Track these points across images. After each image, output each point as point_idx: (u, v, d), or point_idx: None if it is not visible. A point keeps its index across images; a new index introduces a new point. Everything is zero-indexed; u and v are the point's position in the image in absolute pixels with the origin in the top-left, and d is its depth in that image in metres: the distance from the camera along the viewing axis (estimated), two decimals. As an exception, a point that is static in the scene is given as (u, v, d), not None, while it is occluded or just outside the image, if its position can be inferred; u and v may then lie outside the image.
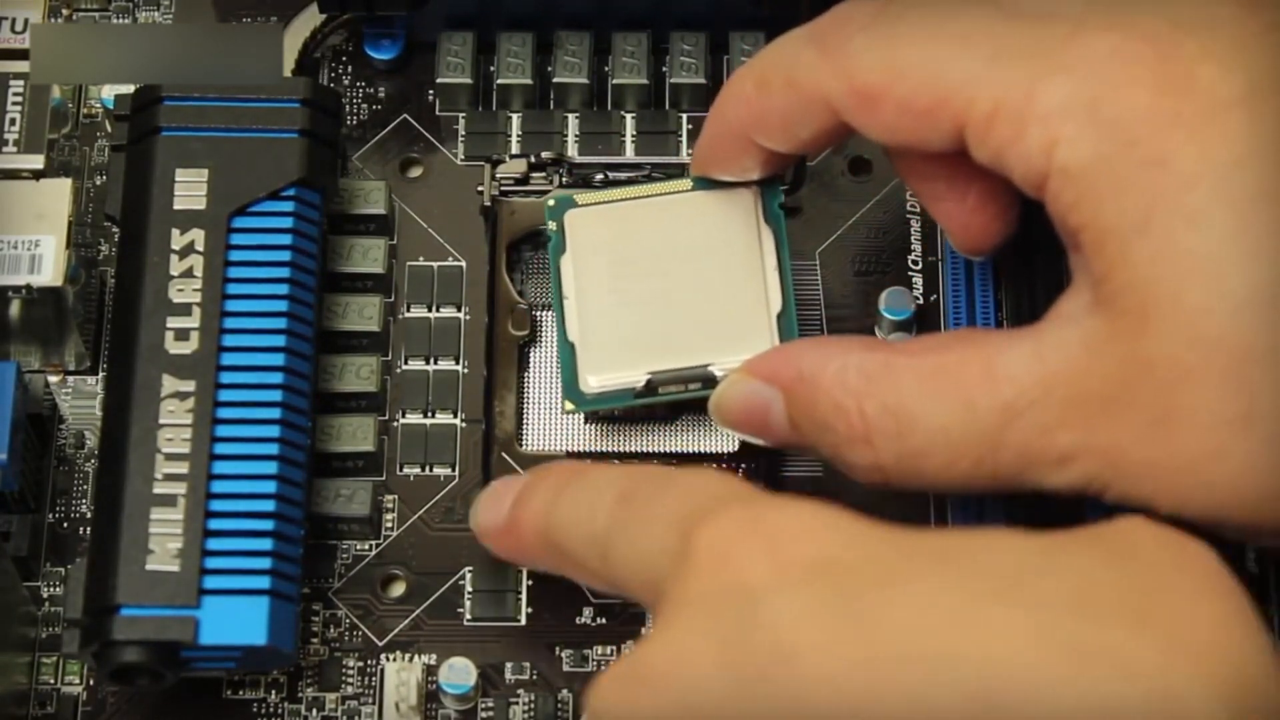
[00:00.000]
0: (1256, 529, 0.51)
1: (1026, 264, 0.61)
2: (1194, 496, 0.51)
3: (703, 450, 0.60)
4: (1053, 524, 0.49)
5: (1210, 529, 0.51)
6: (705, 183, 0.60)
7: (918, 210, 0.63)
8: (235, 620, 0.54)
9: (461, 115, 0.65)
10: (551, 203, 0.60)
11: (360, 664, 0.58)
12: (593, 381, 0.58)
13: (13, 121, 0.62)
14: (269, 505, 0.55)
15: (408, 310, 0.62)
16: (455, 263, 0.63)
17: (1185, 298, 0.49)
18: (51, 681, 0.58)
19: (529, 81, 0.64)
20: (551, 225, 0.60)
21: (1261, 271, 0.49)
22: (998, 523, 0.58)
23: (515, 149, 0.64)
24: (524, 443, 0.60)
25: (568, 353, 0.58)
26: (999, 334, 0.54)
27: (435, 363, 0.62)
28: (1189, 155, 0.49)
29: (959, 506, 0.59)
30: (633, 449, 0.60)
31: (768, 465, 0.59)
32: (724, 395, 0.57)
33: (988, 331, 0.55)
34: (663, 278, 0.59)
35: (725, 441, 0.60)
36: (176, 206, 0.58)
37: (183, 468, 0.55)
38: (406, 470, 0.61)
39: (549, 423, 0.60)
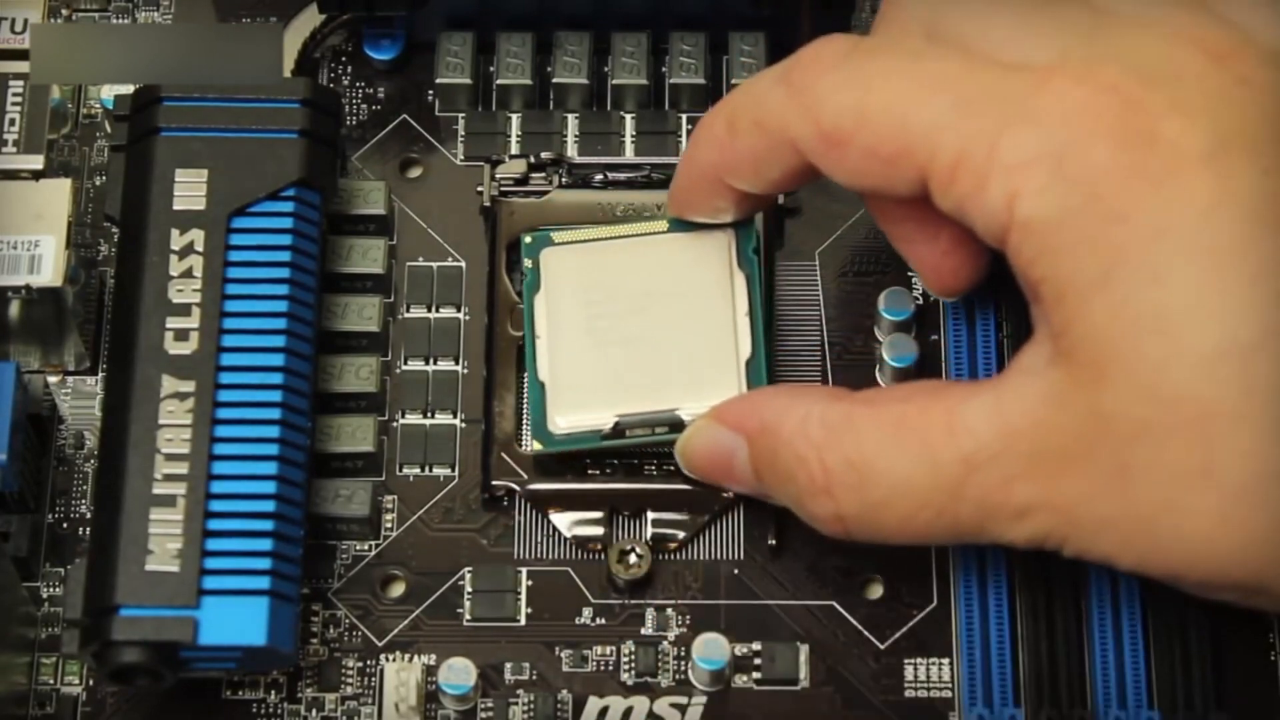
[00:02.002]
0: (1218, 584, 0.51)
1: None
2: (1153, 552, 0.51)
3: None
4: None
5: (1171, 583, 0.51)
6: (681, 224, 0.60)
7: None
8: (235, 621, 0.54)
9: (461, 115, 0.65)
10: (528, 239, 0.60)
11: (360, 664, 0.58)
12: (561, 422, 0.58)
13: (12, 122, 0.62)
14: (269, 505, 0.55)
15: (407, 310, 0.62)
16: (455, 263, 0.63)
17: (1143, 353, 0.49)
18: (51, 682, 0.58)
19: (529, 82, 0.64)
20: (528, 262, 0.60)
21: (1221, 327, 0.49)
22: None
23: (515, 149, 0.64)
24: (524, 443, 0.60)
25: (537, 392, 0.59)
26: (961, 386, 0.54)
27: (435, 363, 0.62)
28: (1151, 210, 0.49)
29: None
30: (633, 451, 0.60)
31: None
32: (689, 441, 0.57)
33: (950, 384, 0.55)
34: (636, 319, 0.59)
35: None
36: (176, 207, 0.58)
37: (182, 468, 0.55)
38: (406, 470, 0.61)
39: (549, 423, 0.61)
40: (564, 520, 0.59)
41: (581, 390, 0.58)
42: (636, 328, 0.59)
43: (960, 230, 0.54)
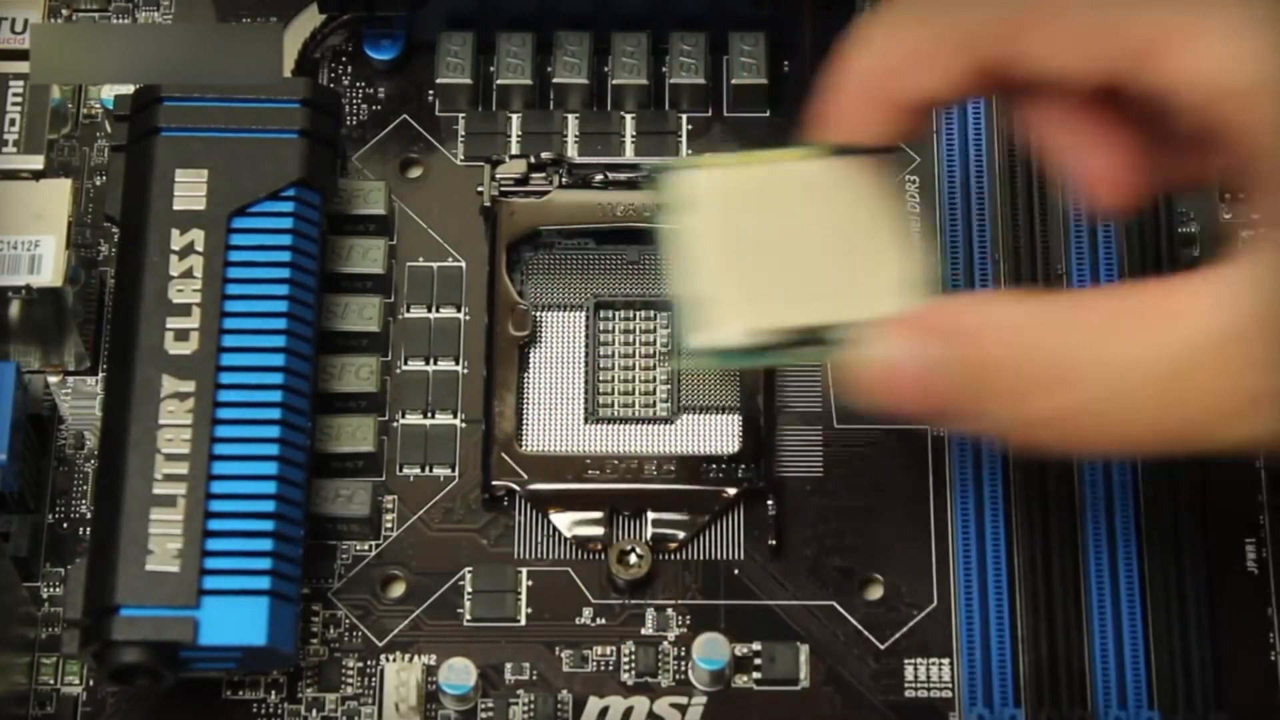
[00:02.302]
0: None
1: (1029, 261, 0.61)
2: None
3: (703, 452, 0.60)
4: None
5: None
6: (830, 150, 0.55)
7: (919, 210, 0.63)
8: (235, 621, 0.54)
9: (461, 115, 0.65)
10: (674, 166, 0.56)
11: (360, 664, 0.58)
12: (718, 333, 0.53)
13: (12, 122, 0.62)
14: (269, 505, 0.55)
15: (407, 310, 0.62)
16: (455, 263, 0.63)
17: None
18: (51, 682, 0.58)
19: (529, 82, 0.64)
20: (674, 186, 0.55)
21: None
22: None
23: (515, 149, 0.64)
24: (524, 443, 0.60)
25: (688, 307, 0.54)
26: (1179, 277, 0.49)
27: (435, 363, 0.62)
28: None
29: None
30: (633, 451, 0.60)
31: (767, 465, 0.59)
32: (865, 355, 0.52)
33: (1166, 278, 0.50)
34: (789, 237, 0.55)
35: (726, 443, 0.60)
36: (176, 207, 0.58)
37: (182, 468, 0.55)
38: (406, 471, 0.61)
39: (549, 423, 0.60)
40: (564, 520, 0.59)
41: (733, 303, 0.53)
42: (790, 246, 0.54)
43: (1141, 135, 0.52)
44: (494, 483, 0.59)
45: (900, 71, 0.53)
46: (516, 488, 0.59)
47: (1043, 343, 0.49)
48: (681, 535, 0.59)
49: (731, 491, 0.59)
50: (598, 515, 0.59)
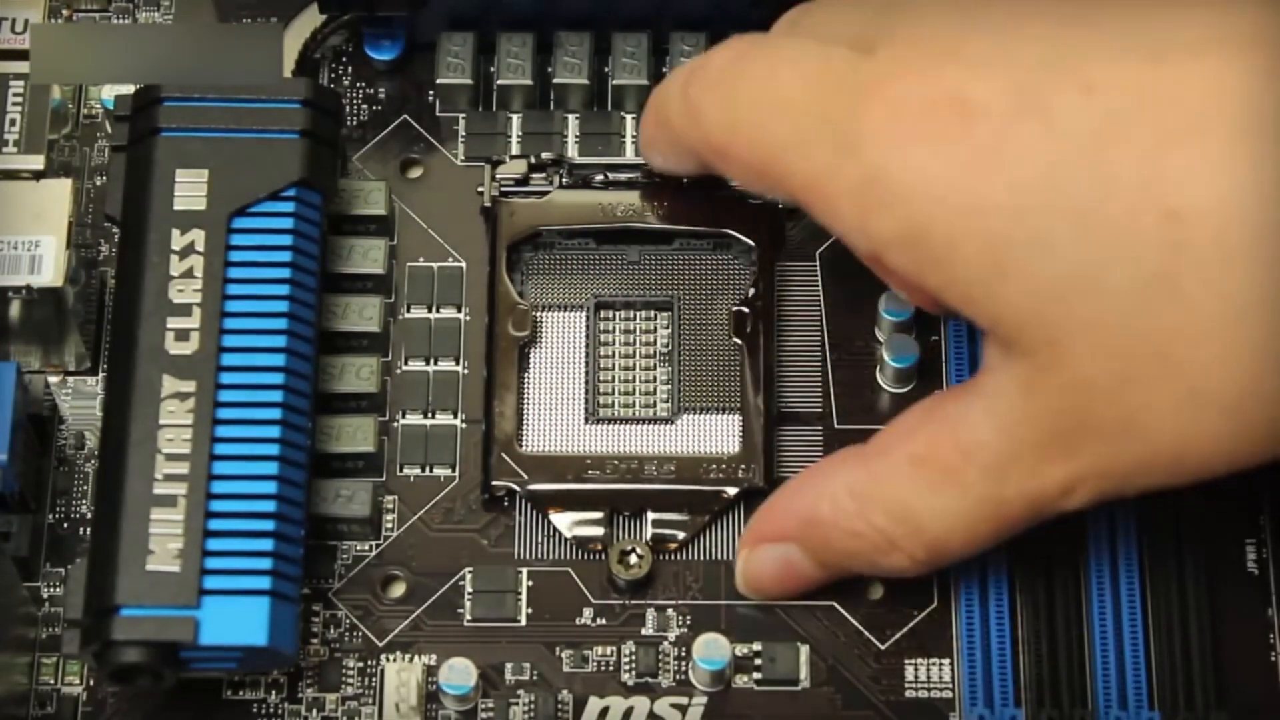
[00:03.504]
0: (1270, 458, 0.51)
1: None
2: (1199, 469, 0.51)
3: (705, 452, 0.60)
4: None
5: (1238, 469, 0.51)
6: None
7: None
8: (235, 621, 0.54)
9: (461, 116, 0.65)
10: None
11: (360, 665, 0.58)
12: None
13: (13, 122, 0.62)
14: (269, 506, 0.55)
15: (408, 311, 0.62)
16: (455, 263, 0.63)
17: (1075, 315, 0.50)
18: (51, 682, 0.58)
19: (529, 82, 0.64)
20: None
21: (1128, 265, 0.49)
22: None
23: (515, 150, 0.64)
24: (524, 443, 0.60)
25: None
26: (953, 398, 0.54)
27: (435, 363, 0.62)
28: (998, 186, 0.50)
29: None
30: (634, 450, 0.60)
31: (767, 465, 0.60)
32: (746, 575, 0.58)
33: (943, 397, 0.55)
34: None
35: (727, 443, 0.60)
36: (176, 207, 0.58)
37: (183, 468, 0.55)
38: (406, 471, 0.61)
39: (549, 423, 0.60)
40: (564, 521, 0.59)
41: None
42: None
43: None
44: (494, 483, 0.59)
45: (665, 152, 0.59)
46: (516, 488, 0.59)
47: (873, 506, 0.55)
48: (681, 535, 0.59)
49: (731, 491, 0.59)
50: (598, 515, 0.59)
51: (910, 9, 0.53)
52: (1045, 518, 0.54)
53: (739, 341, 0.61)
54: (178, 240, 0.58)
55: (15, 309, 0.59)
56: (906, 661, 0.58)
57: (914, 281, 0.53)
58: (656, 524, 0.59)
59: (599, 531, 0.59)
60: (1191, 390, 0.49)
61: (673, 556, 0.59)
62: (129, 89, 0.61)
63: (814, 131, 0.52)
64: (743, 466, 0.59)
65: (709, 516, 0.59)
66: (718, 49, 0.56)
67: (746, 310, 0.61)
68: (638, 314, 0.62)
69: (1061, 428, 0.51)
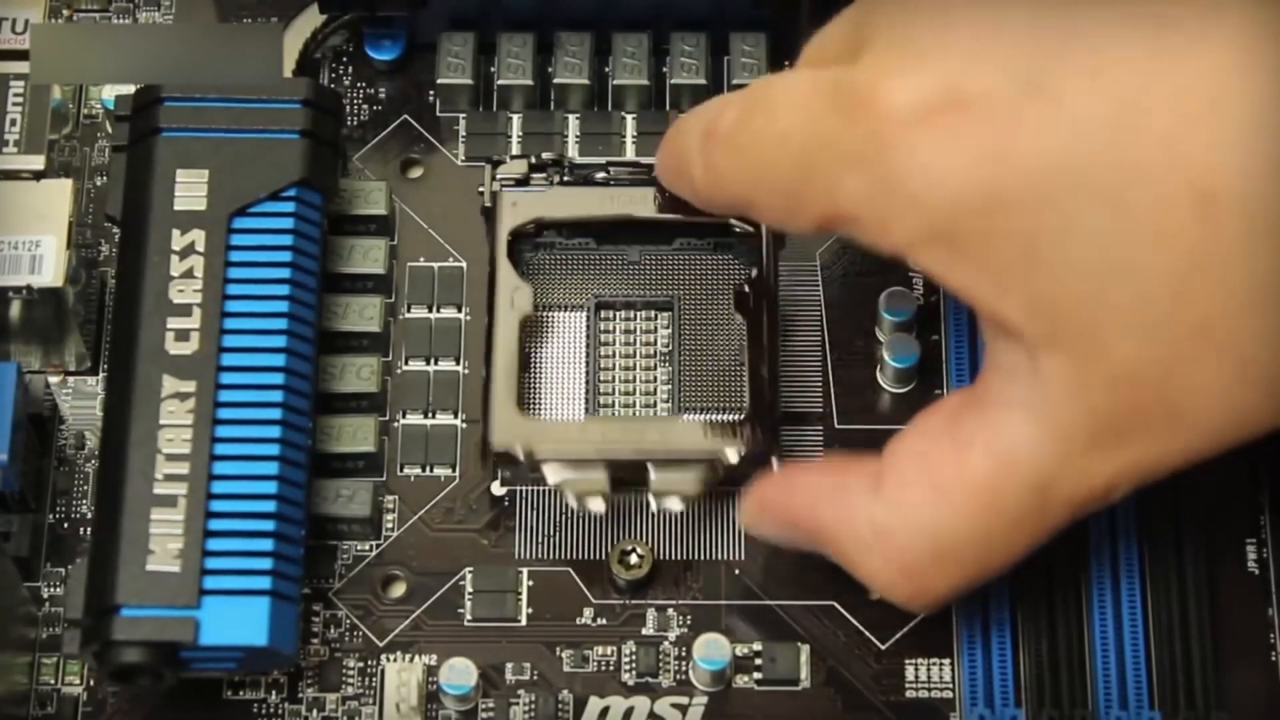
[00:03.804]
0: None
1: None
2: (1244, 438, 0.51)
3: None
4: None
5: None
6: None
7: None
8: (236, 621, 0.54)
9: (462, 116, 0.65)
10: None
11: (360, 664, 0.58)
12: None
13: (13, 122, 0.62)
14: (269, 505, 0.55)
15: (408, 310, 0.62)
16: (455, 263, 0.63)
17: (1113, 303, 0.49)
18: (52, 682, 0.58)
19: (529, 82, 0.64)
20: None
21: (1158, 247, 0.49)
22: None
23: (515, 150, 0.64)
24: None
25: None
26: (973, 414, 0.53)
27: (435, 363, 0.62)
28: (1016, 175, 0.49)
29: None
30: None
31: (769, 432, 0.60)
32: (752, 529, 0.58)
33: (955, 417, 0.54)
34: None
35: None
36: (177, 207, 0.58)
37: (183, 468, 0.55)
38: (407, 471, 0.61)
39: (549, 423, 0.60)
40: (557, 473, 0.58)
41: None
42: None
43: None
44: (492, 441, 0.58)
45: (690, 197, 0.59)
46: (519, 449, 0.58)
47: (910, 547, 0.54)
48: (686, 489, 0.58)
49: (732, 454, 0.58)
50: (599, 474, 0.58)
51: (885, 11, 0.52)
52: (1078, 519, 0.53)
53: (740, 319, 0.60)
54: (178, 240, 0.58)
55: (15, 309, 0.59)
56: (907, 661, 0.58)
57: (946, 284, 0.52)
58: (658, 483, 0.58)
59: (599, 478, 0.58)
60: (1238, 368, 0.49)
61: (673, 557, 0.59)
62: (129, 89, 0.61)
63: (817, 156, 0.52)
64: (746, 429, 0.59)
65: (708, 472, 0.59)
66: (727, 102, 0.55)
67: (748, 290, 0.60)
68: (638, 314, 0.62)
69: (1111, 424, 0.50)
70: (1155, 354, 0.49)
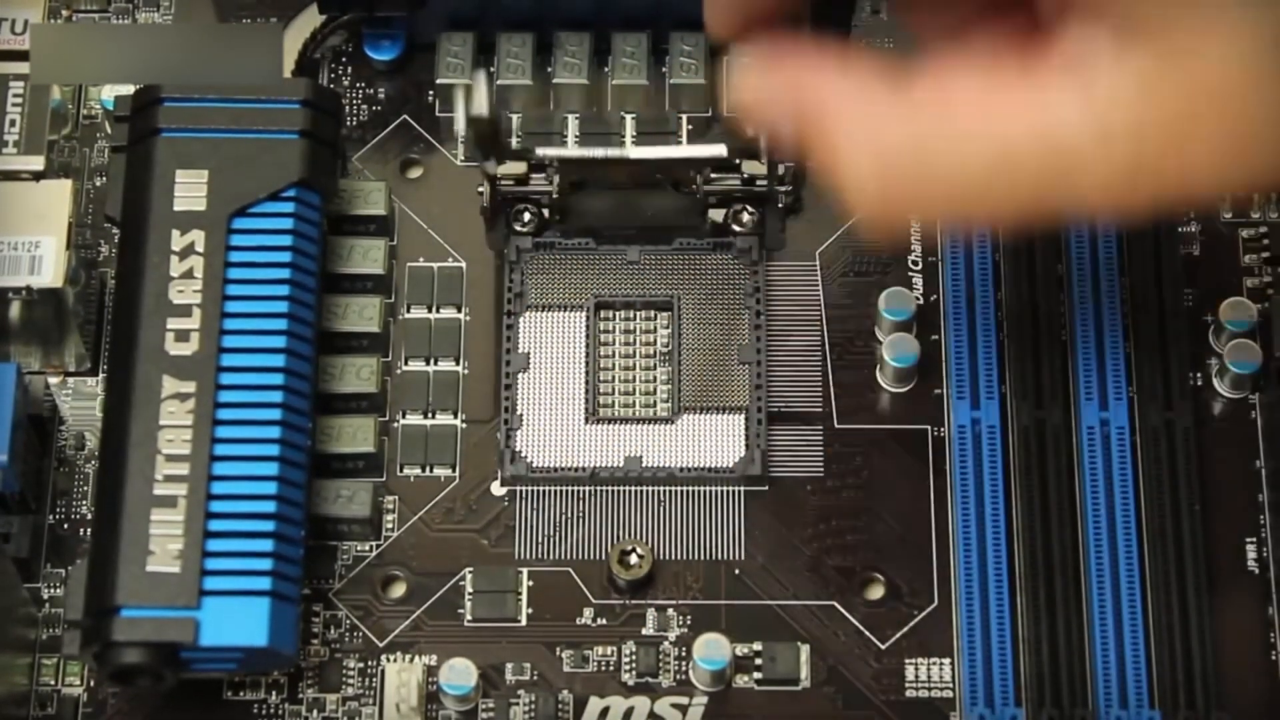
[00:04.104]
0: None
1: (1029, 263, 0.61)
2: None
3: (707, 459, 0.60)
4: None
5: None
6: None
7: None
8: (236, 621, 0.54)
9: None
10: None
11: (360, 665, 0.58)
12: None
13: (13, 123, 0.62)
14: (269, 506, 0.55)
15: (408, 311, 0.62)
16: (455, 263, 0.63)
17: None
18: (52, 683, 0.58)
19: (529, 82, 0.64)
20: None
21: None
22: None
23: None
24: (523, 444, 0.60)
25: None
26: (1038, 92, 0.50)
27: (435, 363, 0.62)
28: None
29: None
30: (636, 450, 0.60)
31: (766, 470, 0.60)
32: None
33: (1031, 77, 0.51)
34: None
35: (729, 453, 0.60)
36: (176, 208, 0.58)
37: (183, 469, 0.55)
38: (407, 471, 0.61)
39: (549, 423, 0.60)
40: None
41: None
42: None
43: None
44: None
45: None
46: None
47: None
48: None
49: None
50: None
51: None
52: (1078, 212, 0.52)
53: (739, 319, 0.60)
54: (178, 241, 0.58)
55: (15, 309, 0.59)
56: (907, 661, 0.58)
57: None
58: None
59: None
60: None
61: (673, 557, 0.59)
62: (129, 89, 0.61)
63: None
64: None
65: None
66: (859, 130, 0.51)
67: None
68: (638, 314, 0.62)
69: (1174, 131, 0.48)
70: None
